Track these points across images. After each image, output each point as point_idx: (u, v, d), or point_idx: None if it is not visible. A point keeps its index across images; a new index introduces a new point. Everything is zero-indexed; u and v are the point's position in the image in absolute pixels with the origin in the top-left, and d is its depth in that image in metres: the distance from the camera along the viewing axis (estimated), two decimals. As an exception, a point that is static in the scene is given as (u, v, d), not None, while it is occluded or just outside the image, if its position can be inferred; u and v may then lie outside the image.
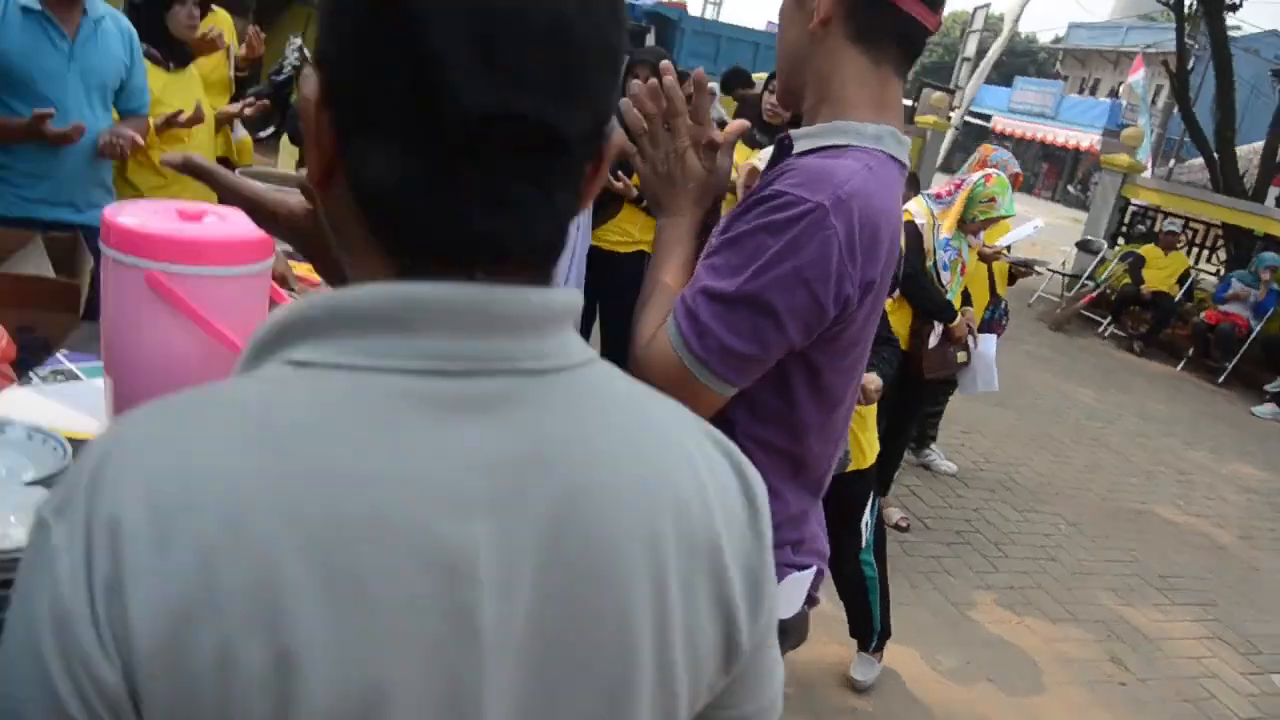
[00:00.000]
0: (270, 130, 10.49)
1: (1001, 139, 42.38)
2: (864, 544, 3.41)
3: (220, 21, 4.39)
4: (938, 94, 15.91)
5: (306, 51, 11.05)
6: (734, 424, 1.40)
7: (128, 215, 1.77)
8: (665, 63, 1.56)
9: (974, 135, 40.19)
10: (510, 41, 0.59)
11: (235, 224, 1.83)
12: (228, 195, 1.16)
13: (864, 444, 3.33)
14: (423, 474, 0.60)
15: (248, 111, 4.17)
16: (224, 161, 4.22)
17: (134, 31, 3.35)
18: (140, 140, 3.24)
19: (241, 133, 4.68)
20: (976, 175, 4.29)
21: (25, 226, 3.11)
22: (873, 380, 3.06)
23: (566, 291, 0.67)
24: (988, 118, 38.16)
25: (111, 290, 1.80)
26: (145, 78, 3.40)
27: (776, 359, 1.35)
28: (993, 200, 4.22)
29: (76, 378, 2.17)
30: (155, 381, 1.81)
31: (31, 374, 2.16)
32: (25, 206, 3.17)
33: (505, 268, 0.64)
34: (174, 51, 3.63)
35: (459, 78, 0.58)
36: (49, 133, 2.98)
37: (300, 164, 4.43)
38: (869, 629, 3.57)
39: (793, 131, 1.45)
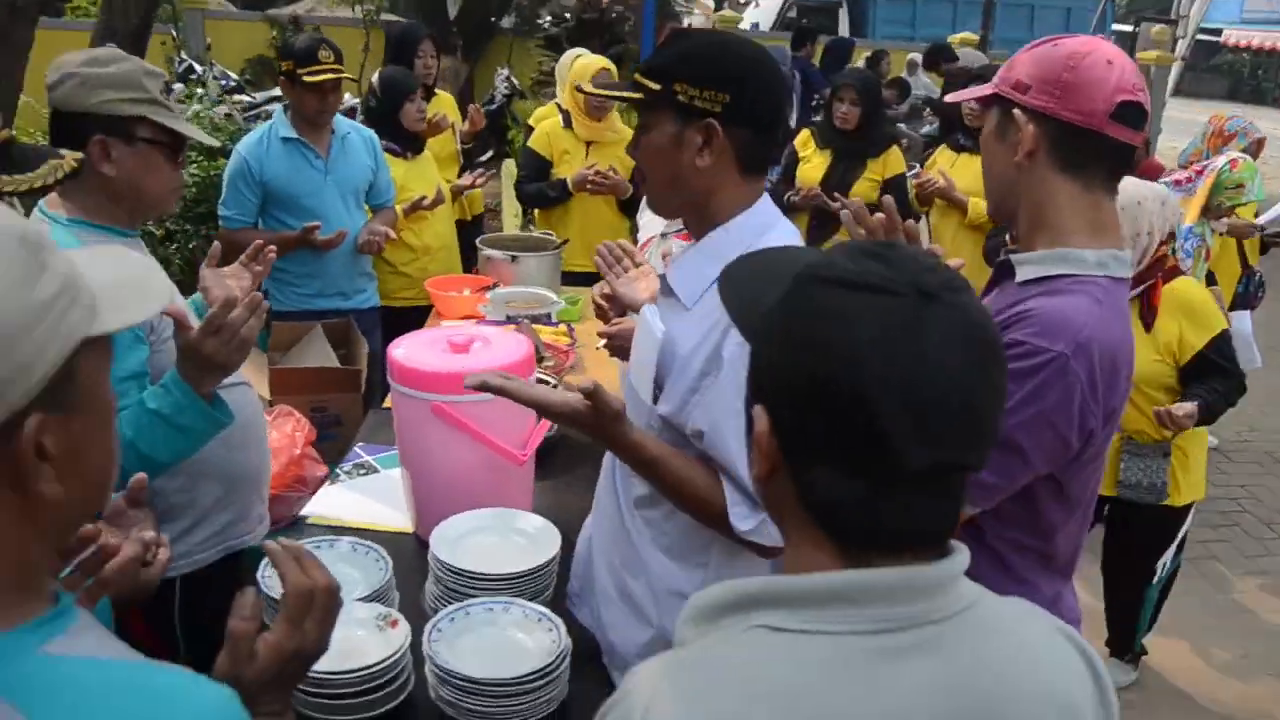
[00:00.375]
0: (489, 155, 11.12)
1: (1235, 52, 38.88)
2: (1154, 579, 3.34)
3: (443, 103, 4.76)
4: (1158, 27, 14.87)
5: (515, 80, 11.61)
6: (983, 530, 1.50)
7: (408, 352, 2.04)
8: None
9: (1204, 52, 37.05)
10: (938, 418, 0.80)
11: (498, 348, 2.07)
12: (522, 402, 1.46)
13: (1183, 483, 3.22)
14: (890, 708, 0.80)
15: (479, 182, 4.51)
16: (460, 224, 4.57)
17: (375, 138, 3.73)
18: (393, 234, 3.62)
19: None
20: (1221, 161, 4.06)
21: (304, 318, 3.56)
22: (1182, 408, 2.94)
23: (958, 555, 0.86)
24: (1217, 32, 35.11)
25: (402, 416, 2.08)
26: (389, 173, 3.77)
27: (1022, 485, 1.44)
28: (1240, 187, 3.99)
29: (375, 470, 2.48)
30: (445, 485, 2.09)
31: (338, 470, 2.49)
32: (303, 300, 3.60)
33: (922, 551, 0.85)
34: (409, 142, 4.00)
35: (901, 445, 0.80)
36: (317, 241, 3.39)
37: (524, 225, 4.74)
38: (1126, 648, 3.53)
39: (1014, 256, 1.52)
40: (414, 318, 3.76)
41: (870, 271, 0.83)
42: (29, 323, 0.74)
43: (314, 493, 2.78)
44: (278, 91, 10.13)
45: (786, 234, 1.62)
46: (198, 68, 10.01)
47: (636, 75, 1.59)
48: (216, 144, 2.18)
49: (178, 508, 1.99)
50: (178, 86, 9.75)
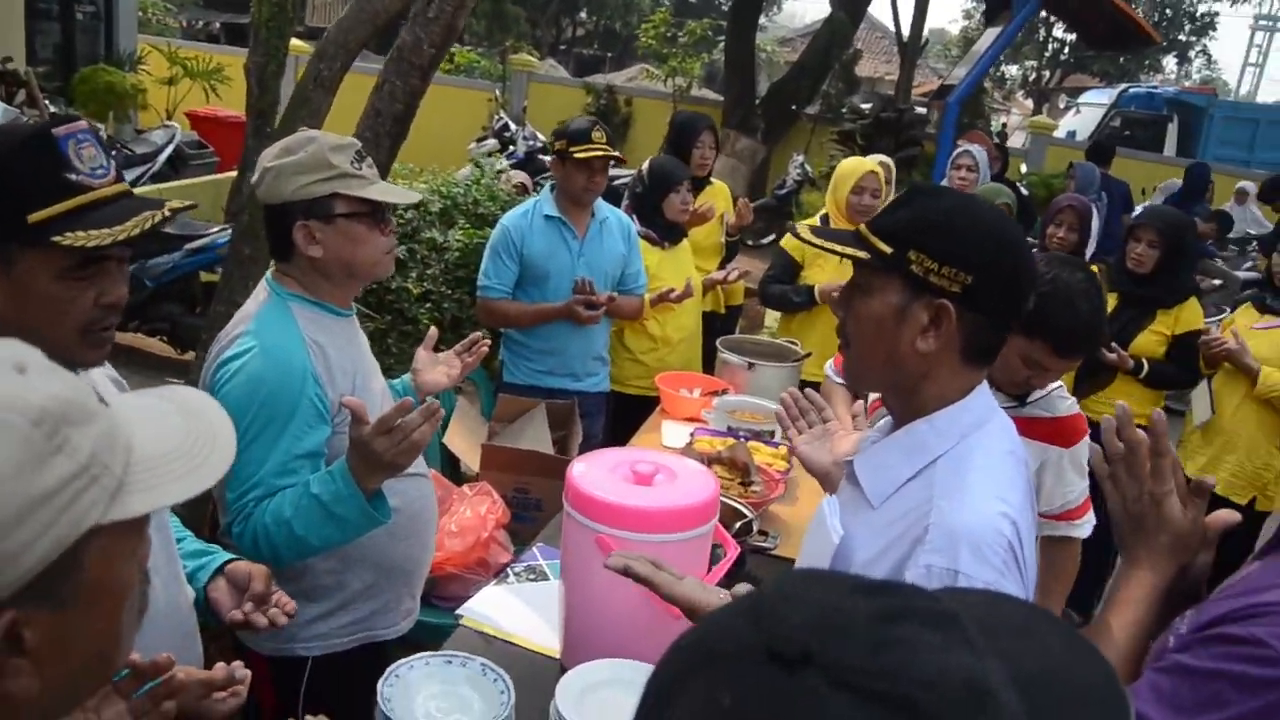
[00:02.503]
0: (770, 239, 11.13)
1: None
2: None
3: (716, 193, 4.73)
4: None
5: (808, 168, 11.60)
6: None
7: (588, 474, 1.94)
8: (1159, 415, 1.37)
9: None
10: None
11: (682, 487, 1.93)
12: (667, 599, 1.42)
13: None
14: None
15: (733, 277, 4.44)
16: (709, 316, 4.49)
17: (632, 226, 3.75)
18: (603, 298, 3.54)
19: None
20: None
21: (533, 394, 3.59)
22: None
23: None
24: None
25: (569, 537, 1.98)
26: (641, 262, 3.76)
27: None
28: None
29: (545, 577, 2.40)
30: (599, 618, 1.96)
31: (509, 570, 2.43)
32: (535, 376, 3.64)
33: None
34: (668, 232, 3.98)
35: None
36: (581, 316, 3.45)
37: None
38: None
39: None
40: (642, 407, 3.72)
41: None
42: (18, 515, 0.67)
43: (494, 576, 2.76)
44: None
45: (998, 434, 1.39)
46: (513, 126, 10.65)
47: (863, 229, 1.40)
48: (416, 199, 2.16)
49: (324, 589, 1.99)
50: (490, 141, 10.44)
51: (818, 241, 1.46)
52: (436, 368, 2.30)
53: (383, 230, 1.97)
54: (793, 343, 3.94)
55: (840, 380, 3.03)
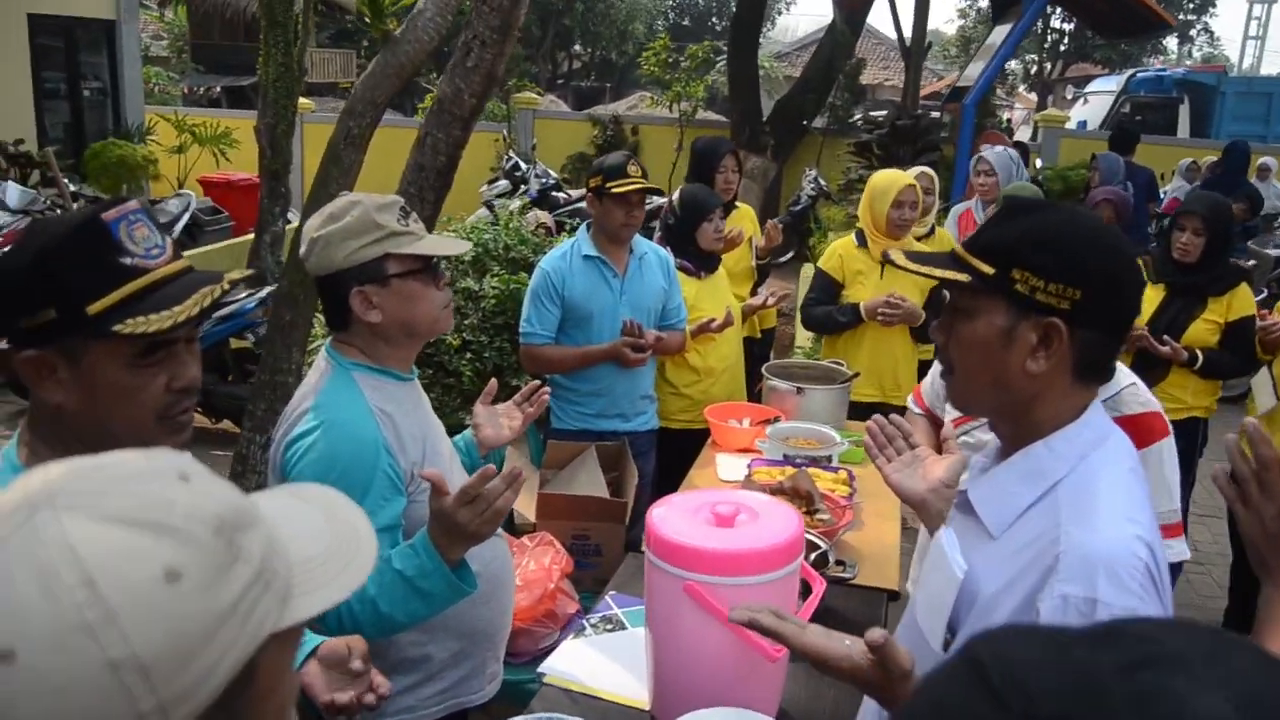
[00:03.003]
0: (789, 256, 11.07)
1: None
2: None
3: (743, 217, 4.70)
4: None
5: (822, 181, 11.57)
6: None
7: (667, 519, 1.89)
8: None
9: None
10: None
11: (766, 525, 1.89)
12: (794, 649, 1.35)
13: None
14: None
15: (771, 302, 4.38)
16: (747, 342, 4.45)
17: (670, 259, 3.70)
18: (651, 335, 3.52)
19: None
20: None
21: (582, 437, 3.54)
22: None
23: None
24: None
25: (654, 584, 1.94)
26: (681, 295, 3.72)
27: None
28: None
29: (623, 626, 2.35)
30: (691, 667, 1.91)
31: (584, 621, 2.39)
32: (583, 420, 3.59)
33: None
34: (704, 261, 3.94)
35: None
36: (629, 359, 3.41)
37: (818, 337, 4.49)
38: None
39: None
40: (692, 441, 3.66)
41: None
42: (211, 629, 0.64)
43: (563, 628, 2.71)
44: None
45: (1118, 452, 1.33)
46: (523, 165, 10.67)
47: (960, 250, 1.35)
48: (467, 247, 2.09)
49: (410, 661, 1.95)
50: (502, 183, 10.46)
51: (913, 267, 1.41)
52: (497, 421, 2.26)
53: (438, 285, 1.94)
54: (838, 363, 3.89)
55: (919, 411, 2.97)
